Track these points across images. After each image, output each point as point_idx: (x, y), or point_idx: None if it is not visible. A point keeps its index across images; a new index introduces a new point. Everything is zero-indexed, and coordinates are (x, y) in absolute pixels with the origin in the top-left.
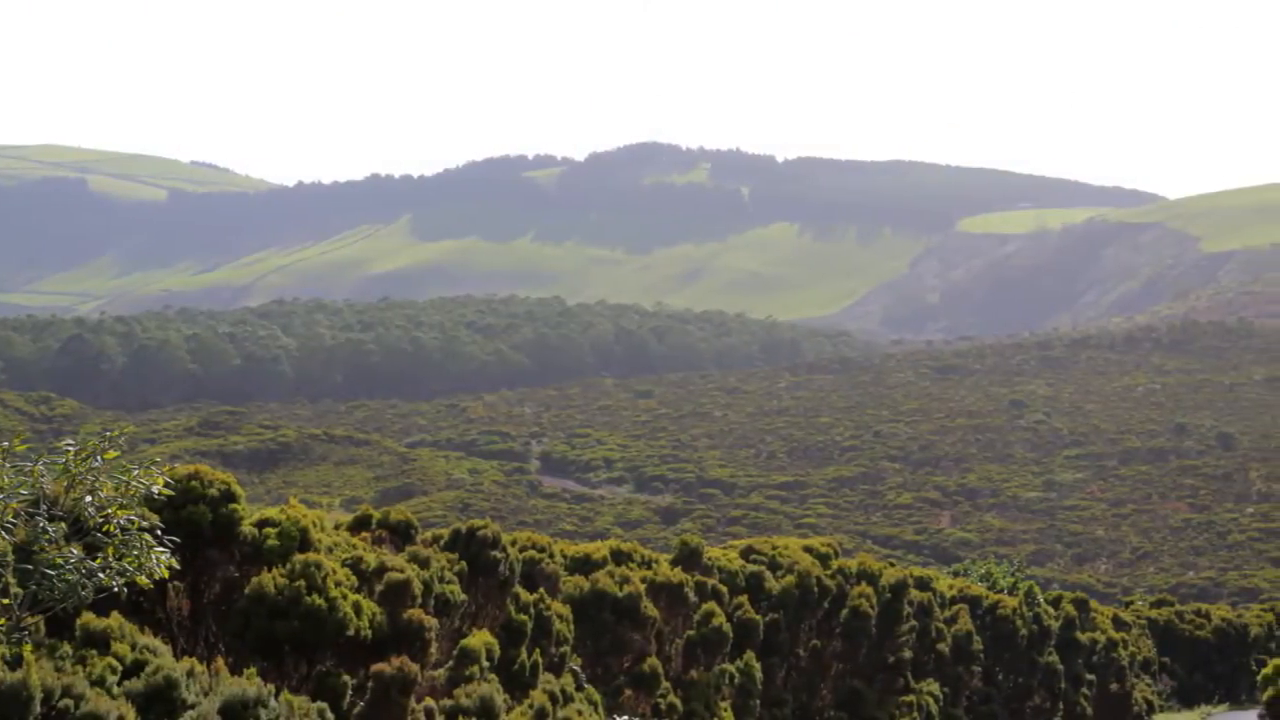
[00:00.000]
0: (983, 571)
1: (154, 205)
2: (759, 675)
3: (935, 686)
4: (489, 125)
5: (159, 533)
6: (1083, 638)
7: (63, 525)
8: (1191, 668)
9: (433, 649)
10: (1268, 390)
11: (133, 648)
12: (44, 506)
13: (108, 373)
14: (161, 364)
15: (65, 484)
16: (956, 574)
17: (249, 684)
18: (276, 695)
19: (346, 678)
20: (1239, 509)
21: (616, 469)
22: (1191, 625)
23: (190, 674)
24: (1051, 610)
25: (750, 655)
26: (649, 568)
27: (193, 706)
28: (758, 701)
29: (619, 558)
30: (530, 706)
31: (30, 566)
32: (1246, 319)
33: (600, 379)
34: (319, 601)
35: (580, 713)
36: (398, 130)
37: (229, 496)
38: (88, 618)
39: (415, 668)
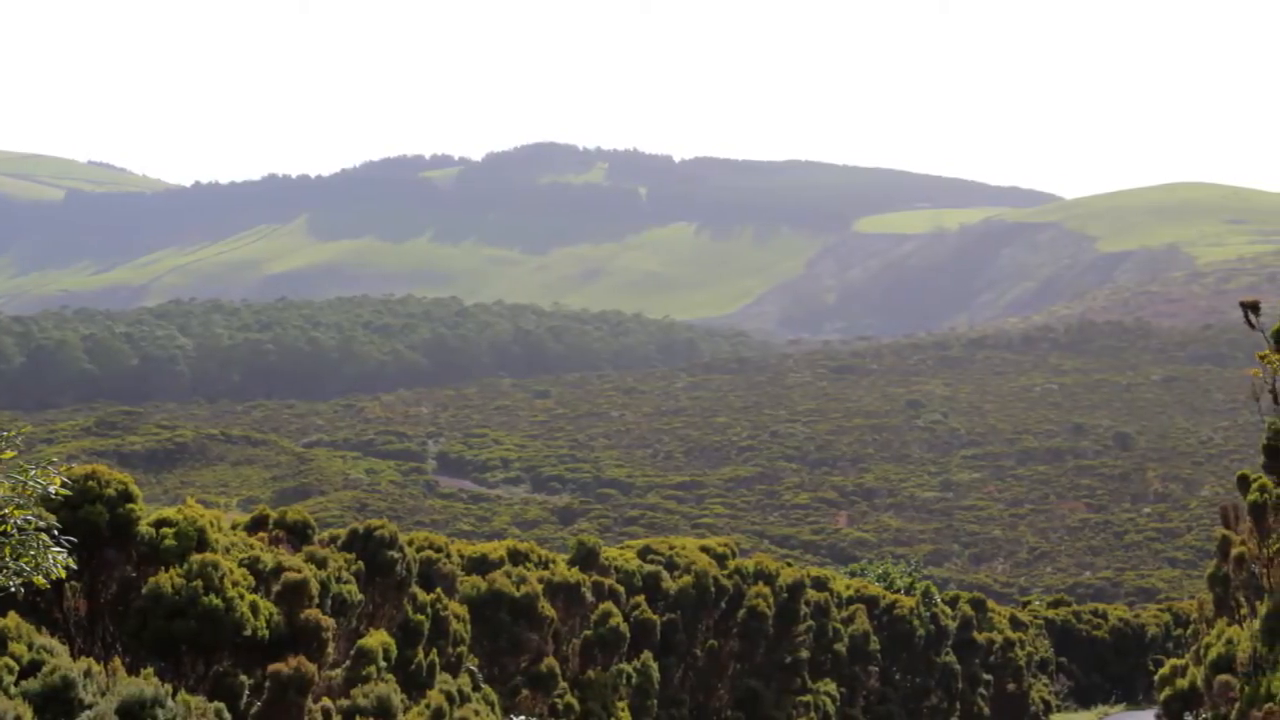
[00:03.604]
0: (880, 571)
1: (51, 205)
2: (656, 675)
3: (832, 686)
4: (386, 125)
5: (56, 533)
6: (980, 638)
7: None
8: (1088, 668)
9: (330, 649)
10: (1165, 390)
11: (30, 648)
12: None
13: (5, 373)
14: (59, 364)
15: None
16: (854, 574)
17: (146, 684)
18: (174, 695)
19: (244, 677)
20: (1136, 509)
21: (514, 469)
22: (1089, 625)
23: (87, 674)
24: (949, 610)
25: (647, 655)
26: (546, 568)
27: (90, 706)
28: (655, 701)
29: (516, 558)
30: (427, 706)
31: None
32: (1144, 319)
33: (497, 379)
34: (216, 601)
35: (477, 713)
36: (294, 130)
37: (126, 496)
38: None
39: (312, 668)
